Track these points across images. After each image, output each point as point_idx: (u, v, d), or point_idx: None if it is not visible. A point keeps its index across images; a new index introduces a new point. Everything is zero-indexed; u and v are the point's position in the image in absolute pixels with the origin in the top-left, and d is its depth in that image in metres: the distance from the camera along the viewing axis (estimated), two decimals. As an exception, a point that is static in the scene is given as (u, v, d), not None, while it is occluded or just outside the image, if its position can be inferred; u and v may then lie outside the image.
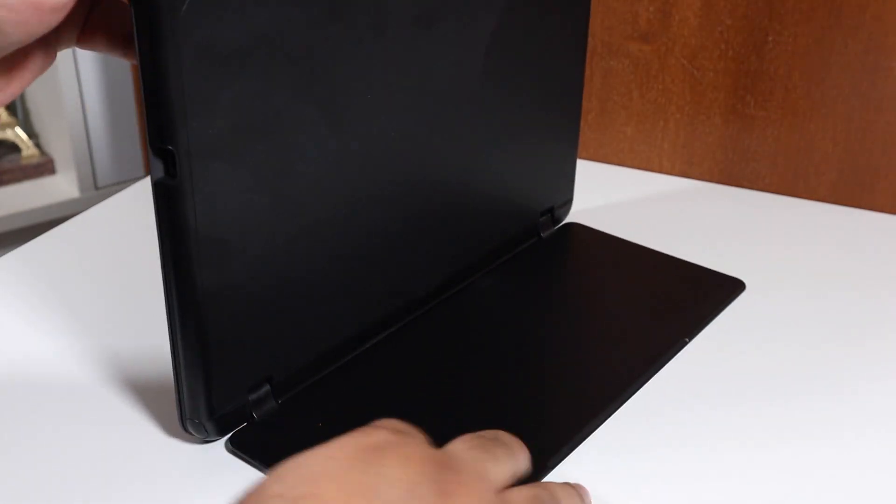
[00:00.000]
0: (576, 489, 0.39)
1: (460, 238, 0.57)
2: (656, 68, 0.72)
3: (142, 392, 0.50)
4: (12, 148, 1.41)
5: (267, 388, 0.47)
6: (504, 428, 0.46)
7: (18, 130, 1.41)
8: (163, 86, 0.37)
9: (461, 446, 0.37)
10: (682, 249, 0.62)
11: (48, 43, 0.40)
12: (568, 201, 0.65)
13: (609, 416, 0.48)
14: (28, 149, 1.41)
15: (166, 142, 0.38)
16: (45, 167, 1.42)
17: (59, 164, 1.43)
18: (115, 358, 0.52)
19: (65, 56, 1.29)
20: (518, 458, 0.39)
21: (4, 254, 0.64)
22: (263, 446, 0.45)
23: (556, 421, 0.48)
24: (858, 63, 0.65)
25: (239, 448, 0.46)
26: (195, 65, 0.38)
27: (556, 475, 0.44)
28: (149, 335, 0.52)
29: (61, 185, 1.41)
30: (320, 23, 0.42)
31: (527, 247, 0.62)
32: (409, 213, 0.52)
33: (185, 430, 0.45)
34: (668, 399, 0.49)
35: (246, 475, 0.44)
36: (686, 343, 0.53)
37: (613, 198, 0.70)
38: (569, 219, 0.66)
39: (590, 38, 0.74)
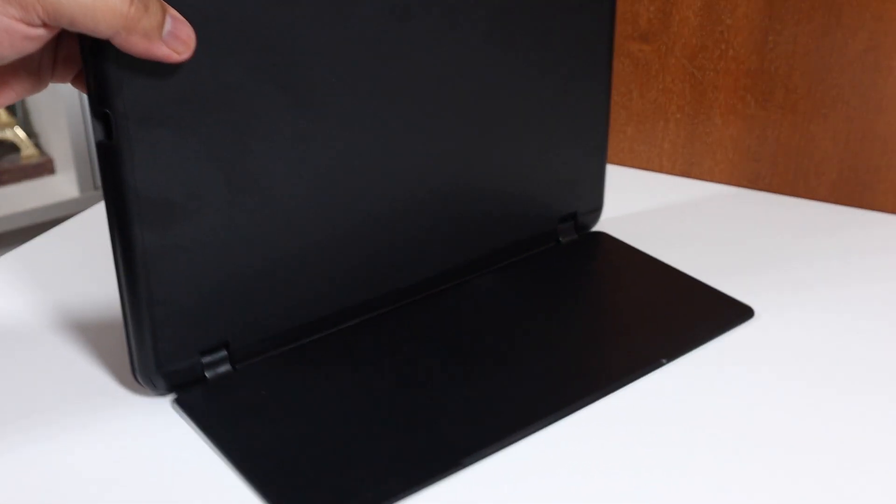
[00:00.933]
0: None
1: (458, 234, 0.56)
2: (656, 68, 0.72)
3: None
4: (12, 148, 1.41)
5: (223, 353, 0.49)
6: (447, 414, 0.47)
7: (18, 130, 1.41)
8: (100, 52, 0.39)
9: None
10: (683, 253, 0.62)
11: (38, 72, 0.43)
12: (596, 209, 0.64)
13: (553, 422, 0.47)
14: (28, 148, 1.41)
15: (104, 105, 0.41)
16: (44, 167, 1.42)
17: (58, 164, 1.43)
18: (114, 355, 0.52)
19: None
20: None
21: (4, 253, 0.64)
22: (207, 407, 0.47)
23: (492, 419, 0.47)
24: (859, 63, 0.65)
25: (182, 405, 0.48)
26: None
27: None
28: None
29: (61, 185, 1.41)
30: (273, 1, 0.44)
31: (541, 251, 0.61)
32: (394, 204, 0.52)
33: (137, 381, 0.48)
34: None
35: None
36: (663, 364, 0.51)
37: (614, 197, 0.70)
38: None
39: (590, 38, 0.74)
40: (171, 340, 0.47)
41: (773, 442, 0.46)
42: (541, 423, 0.47)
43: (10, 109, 1.40)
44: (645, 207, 0.69)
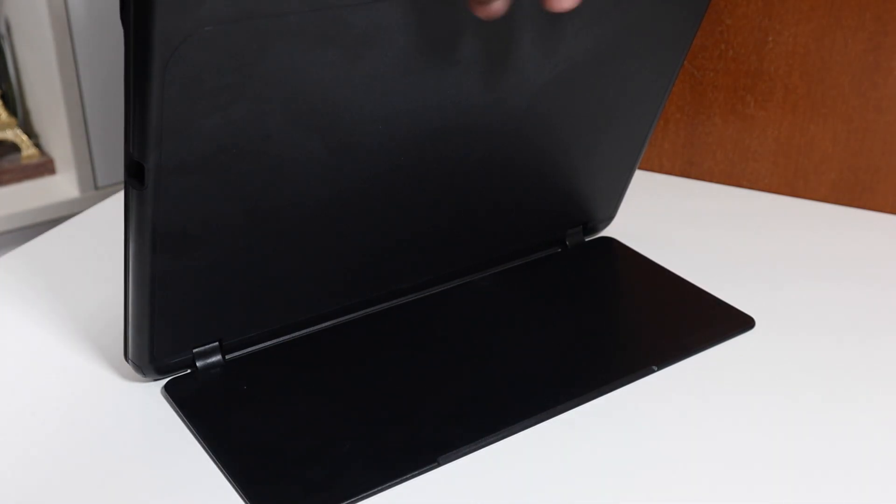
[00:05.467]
0: None
1: (461, 237, 0.56)
2: (656, 68, 0.72)
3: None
4: (12, 148, 1.42)
5: (215, 344, 0.50)
6: (429, 411, 0.47)
7: (18, 130, 1.41)
8: (143, 112, 0.38)
9: None
10: (684, 257, 0.62)
11: None
12: (609, 218, 0.63)
13: (537, 423, 0.47)
14: (28, 149, 1.41)
15: (138, 157, 0.39)
16: (45, 167, 1.42)
17: (59, 164, 1.43)
18: (111, 351, 0.52)
19: (65, 56, 1.29)
20: None
21: (4, 254, 0.64)
22: (193, 396, 0.48)
23: (472, 418, 0.47)
24: (859, 63, 0.65)
25: (171, 394, 0.49)
26: (179, 99, 0.38)
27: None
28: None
29: (61, 185, 1.41)
30: (312, 50, 0.41)
31: (547, 254, 0.61)
32: (394, 209, 0.52)
33: (129, 364, 0.49)
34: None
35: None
36: (653, 371, 0.51)
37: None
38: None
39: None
40: (167, 341, 0.48)
41: (759, 455, 0.46)
42: (523, 424, 0.47)
43: (10, 109, 1.40)
44: (646, 209, 0.69)
